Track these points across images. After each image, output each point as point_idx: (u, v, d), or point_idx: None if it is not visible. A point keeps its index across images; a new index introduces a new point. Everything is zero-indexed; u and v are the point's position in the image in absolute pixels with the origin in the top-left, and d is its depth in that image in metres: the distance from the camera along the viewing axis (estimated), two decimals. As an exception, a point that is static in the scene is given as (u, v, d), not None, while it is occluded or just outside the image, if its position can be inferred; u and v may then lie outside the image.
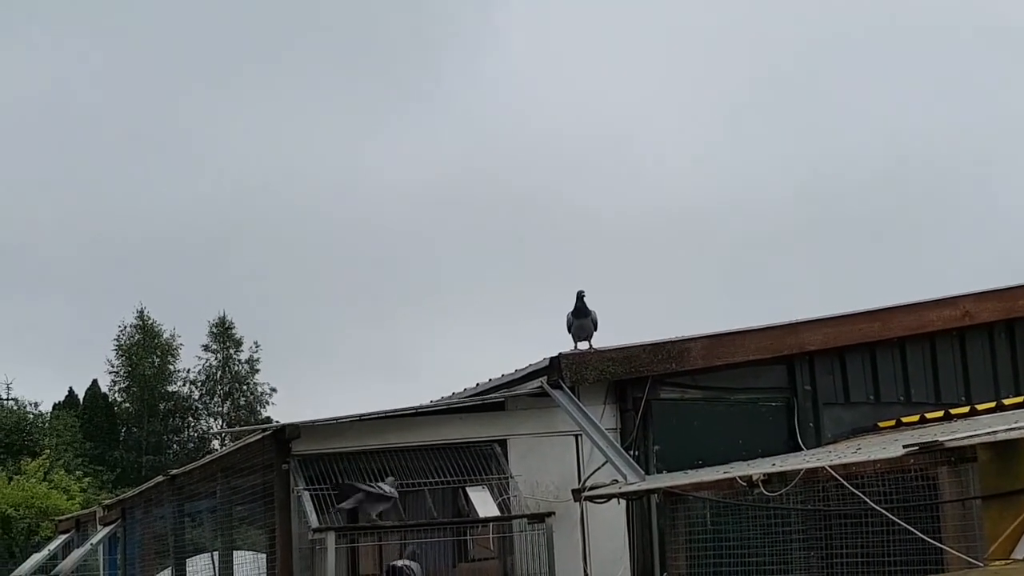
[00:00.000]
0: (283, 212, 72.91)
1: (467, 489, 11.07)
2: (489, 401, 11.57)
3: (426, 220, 73.84)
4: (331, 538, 10.23)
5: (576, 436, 11.31)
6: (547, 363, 11.38)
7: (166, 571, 14.88)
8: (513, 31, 75.98)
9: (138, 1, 72.09)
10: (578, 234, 71.84)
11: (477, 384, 13.05)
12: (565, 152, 75.45)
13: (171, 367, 55.95)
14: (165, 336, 55.68)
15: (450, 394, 13.84)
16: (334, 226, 72.81)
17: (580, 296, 11.68)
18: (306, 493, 10.61)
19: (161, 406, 54.88)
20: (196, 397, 56.30)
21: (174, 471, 14.03)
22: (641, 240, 71.60)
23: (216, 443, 53.39)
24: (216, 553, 13.62)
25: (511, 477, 11.16)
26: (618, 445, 10.94)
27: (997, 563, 6.59)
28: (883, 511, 7.69)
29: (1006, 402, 10.79)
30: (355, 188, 73.16)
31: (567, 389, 11.15)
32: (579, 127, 75.81)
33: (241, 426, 52.39)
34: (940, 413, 11.17)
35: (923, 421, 11.20)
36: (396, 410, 11.21)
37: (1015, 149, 69.35)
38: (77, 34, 72.43)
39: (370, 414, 11.05)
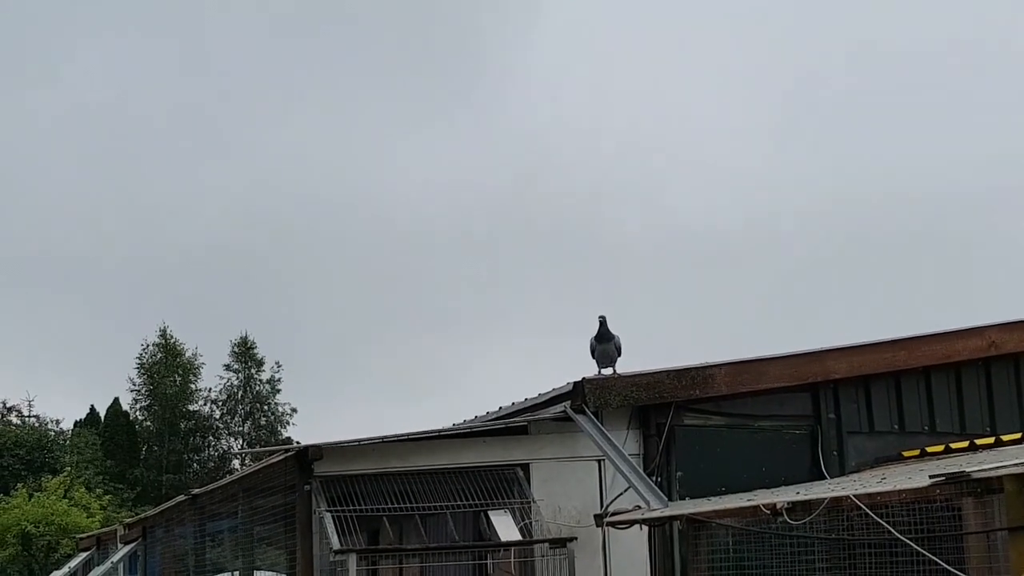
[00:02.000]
0: (308, 234, 73.29)
1: (489, 513, 11.05)
2: (512, 425, 11.55)
3: (451, 245, 74.00)
4: (352, 560, 10.22)
5: (599, 461, 11.29)
6: (571, 387, 11.37)
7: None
8: (551, 46, 76.19)
9: (173, 10, 72.55)
10: (605, 258, 71.95)
11: (500, 408, 13.05)
12: (594, 176, 75.63)
13: (192, 386, 56.17)
14: (187, 355, 55.89)
15: (473, 417, 13.83)
16: (359, 248, 73.16)
17: (603, 321, 11.67)
18: (328, 514, 10.60)
19: (182, 425, 55.04)
20: (217, 416, 56.45)
21: (196, 491, 14.06)
22: (668, 265, 71.64)
23: (236, 463, 53.48)
24: (237, 573, 13.63)
25: (533, 501, 11.13)
26: (641, 471, 10.92)
27: (1024, 595, 6.54)
28: (908, 542, 7.65)
29: (1032, 433, 10.73)
30: (380, 211, 73.46)
31: (590, 414, 11.14)
32: (610, 150, 76.02)
33: (261, 446, 52.48)
34: (965, 443, 11.10)
35: (948, 451, 11.13)
36: (419, 433, 11.20)
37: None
38: (118, 48, 72.79)
39: (393, 436, 11.05)
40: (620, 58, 78.16)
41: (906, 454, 11.80)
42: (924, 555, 7.58)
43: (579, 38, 78.71)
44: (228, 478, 14.09)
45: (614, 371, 11.60)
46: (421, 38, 76.47)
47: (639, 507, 10.38)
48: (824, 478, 11.59)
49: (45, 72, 73.59)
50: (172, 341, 55.64)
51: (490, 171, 75.35)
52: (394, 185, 74.98)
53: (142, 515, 18.25)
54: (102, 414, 52.87)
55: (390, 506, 10.92)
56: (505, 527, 10.95)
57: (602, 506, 10.96)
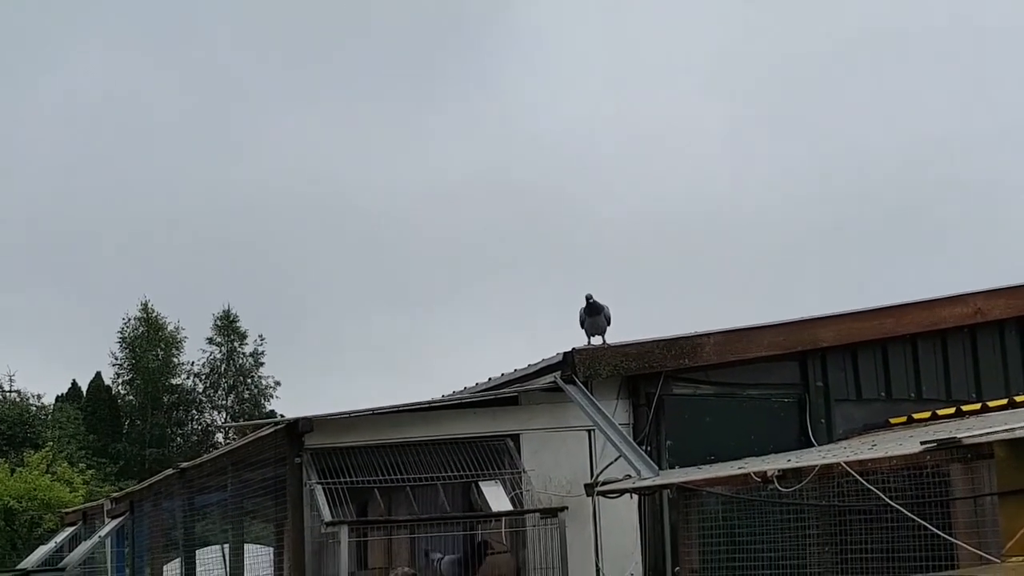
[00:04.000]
0: (293, 209, 73.00)
1: (480, 483, 11.08)
2: (502, 396, 11.58)
3: (439, 215, 73.92)
4: (344, 531, 10.25)
5: (589, 431, 11.33)
6: (560, 358, 11.39)
7: (174, 563, 14.91)
8: (535, 37, 76.06)
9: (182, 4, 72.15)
10: (596, 234, 72.01)
11: (490, 379, 13.07)
12: (585, 153, 75.63)
13: (175, 360, 56.01)
14: (169, 328, 55.74)
15: (462, 389, 13.85)
16: (344, 221, 72.94)
17: (589, 297, 11.67)
18: (319, 487, 10.61)
19: (165, 399, 54.92)
20: (200, 390, 56.33)
21: (184, 464, 14.05)
22: (657, 242, 71.72)
23: (220, 436, 53.45)
24: (226, 546, 13.66)
25: (524, 472, 11.17)
26: (631, 440, 10.96)
27: (1015, 559, 6.60)
28: (899, 507, 7.71)
29: (1018, 399, 10.80)
30: (368, 183, 73.25)
31: (580, 384, 11.17)
32: (601, 130, 76.02)
33: (245, 419, 52.45)
34: (952, 410, 11.18)
35: (935, 418, 11.21)
36: (409, 404, 11.22)
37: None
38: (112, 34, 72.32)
39: (383, 408, 11.06)
40: (596, 44, 77.91)
41: (893, 421, 11.88)
42: (915, 520, 7.64)
43: (553, 25, 78.45)
44: (217, 451, 14.08)
45: (604, 341, 11.63)
46: (404, 30, 76.14)
47: (629, 476, 10.42)
48: (812, 446, 11.65)
49: (39, 60, 73.13)
50: (154, 315, 55.48)
51: (476, 152, 75.18)
52: (381, 163, 74.80)
53: (129, 489, 18.23)
54: (84, 388, 52.71)
55: (381, 478, 10.93)
56: (496, 497, 10.99)
57: (592, 476, 11.00)
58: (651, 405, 11.51)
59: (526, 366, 12.21)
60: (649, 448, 11.28)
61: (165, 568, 15.34)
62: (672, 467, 11.22)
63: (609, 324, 11.63)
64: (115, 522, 16.85)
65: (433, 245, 74.43)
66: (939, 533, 7.60)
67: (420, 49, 76.91)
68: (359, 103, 75.89)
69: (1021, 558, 6.61)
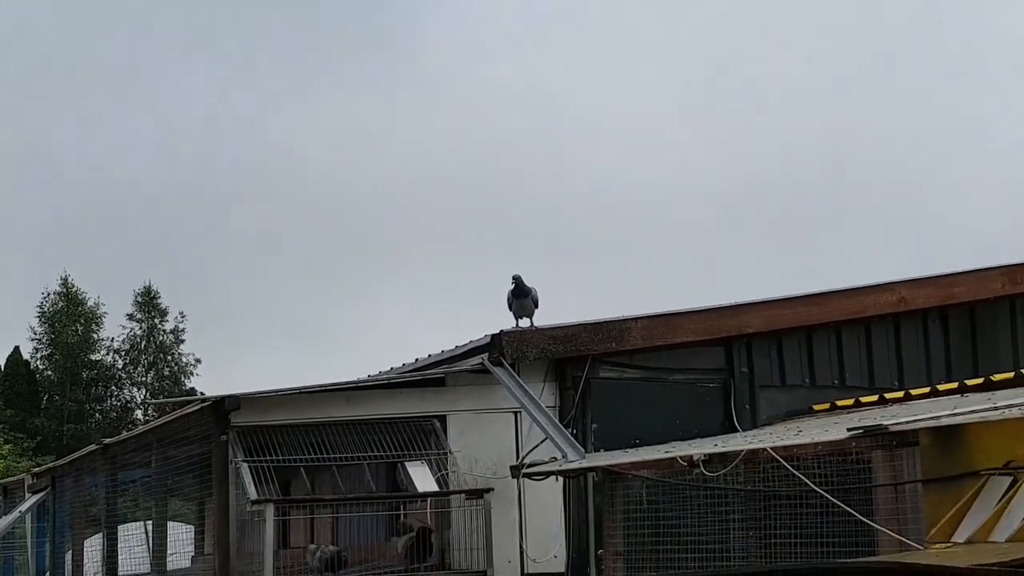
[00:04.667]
0: (214, 184, 72.16)
1: (406, 464, 11.07)
2: (430, 376, 11.56)
3: (368, 189, 73.35)
4: (270, 510, 10.19)
5: (516, 413, 11.35)
6: (488, 340, 11.38)
7: (96, 539, 14.74)
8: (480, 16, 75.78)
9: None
10: (529, 218, 71.99)
11: (417, 359, 13.03)
12: (520, 138, 75.50)
13: (95, 335, 55.27)
14: (89, 304, 55.00)
15: (390, 369, 13.81)
16: (267, 199, 72.27)
17: (517, 279, 11.66)
18: (245, 465, 10.54)
19: (84, 374, 54.18)
20: (120, 366, 55.65)
21: (108, 440, 13.88)
22: (589, 226, 71.85)
23: (139, 413, 52.90)
24: (149, 522, 13.53)
25: (450, 453, 11.17)
26: (557, 423, 10.98)
27: (938, 545, 6.71)
28: (824, 493, 7.80)
29: (940, 387, 10.94)
30: (292, 162, 72.49)
31: (508, 366, 11.17)
32: (535, 116, 75.92)
33: (165, 395, 51.95)
34: (875, 397, 11.32)
35: (858, 405, 11.34)
36: (336, 384, 11.17)
37: (950, 146, 70.38)
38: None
39: (310, 387, 11.01)
40: (554, 25, 77.75)
41: (816, 407, 12.00)
42: (840, 507, 7.73)
43: (513, 6, 78.24)
44: (141, 427, 13.92)
45: (531, 324, 11.64)
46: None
47: (555, 459, 10.44)
48: (736, 431, 11.76)
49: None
50: (74, 290, 54.72)
51: (414, 130, 74.74)
52: (311, 139, 74.08)
53: (50, 464, 17.98)
54: (1, 363, 51.89)
55: (307, 457, 10.89)
56: (421, 478, 10.99)
57: (518, 457, 11.02)
58: (577, 388, 11.54)
59: (454, 347, 12.20)
60: (575, 431, 11.31)
61: (86, 544, 15.16)
62: (598, 450, 11.26)
63: (537, 307, 11.64)
64: (36, 497, 16.61)
65: (361, 221, 74.03)
66: (862, 519, 7.70)
67: (367, 18, 76.24)
68: (290, 72, 75.08)
69: (944, 544, 6.72)
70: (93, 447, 14.09)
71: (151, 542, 13.18)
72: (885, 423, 7.33)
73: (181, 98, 72.50)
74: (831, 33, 72.58)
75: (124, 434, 13.79)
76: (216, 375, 58.63)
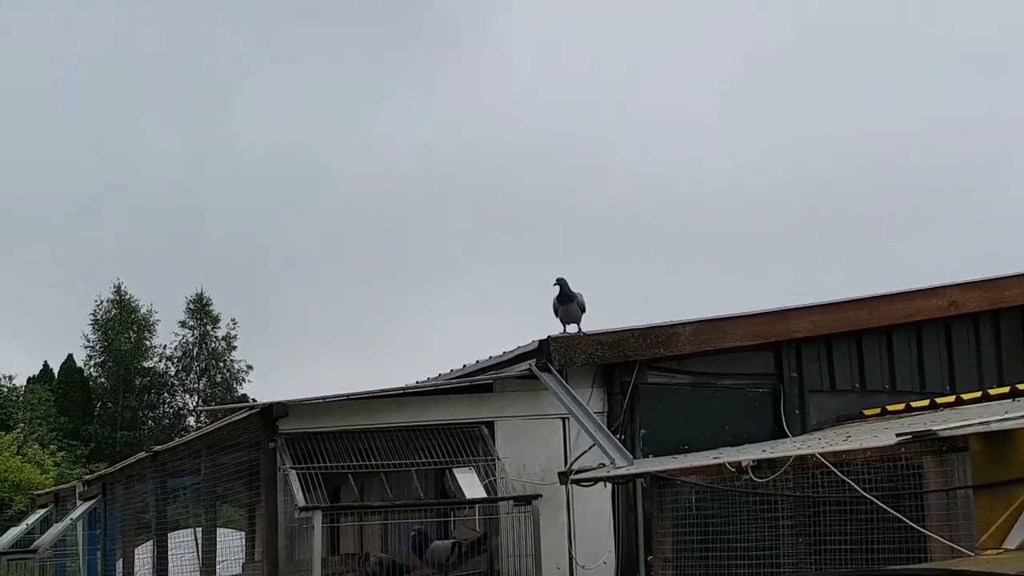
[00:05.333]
0: (266, 194, 72.72)
1: (454, 470, 11.06)
2: (477, 383, 11.56)
3: (418, 199, 73.70)
4: (318, 517, 10.22)
5: (563, 419, 11.33)
6: (536, 346, 11.36)
7: (146, 546, 14.86)
8: (512, 23, 75.86)
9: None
10: (572, 220, 72.00)
11: (465, 366, 13.04)
12: (563, 141, 75.54)
13: (147, 343, 55.83)
14: (142, 311, 55.54)
15: (437, 375, 13.82)
16: (318, 206, 72.68)
17: (562, 283, 11.61)
18: (292, 472, 10.58)
19: (137, 381, 54.73)
20: (172, 373, 56.15)
21: (157, 447, 13.99)
22: (635, 229, 71.75)
23: (192, 420, 53.33)
24: (199, 529, 13.61)
25: (498, 459, 11.15)
26: (605, 428, 10.95)
27: (989, 552, 6.63)
28: (874, 499, 7.72)
29: (991, 392, 10.83)
30: (341, 170, 72.98)
31: (555, 372, 11.15)
32: (575, 119, 75.90)
33: (217, 403, 52.31)
34: (926, 402, 11.21)
35: (908, 410, 11.24)
36: (384, 390, 11.19)
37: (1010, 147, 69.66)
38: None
39: (357, 394, 11.03)
40: (577, 34, 77.79)
41: (867, 412, 11.90)
42: (889, 512, 7.66)
43: (542, 8, 78.30)
44: (190, 435, 14.02)
45: (579, 329, 11.61)
46: (394, 9, 75.85)
47: (603, 465, 10.42)
48: (786, 436, 11.68)
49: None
50: (127, 297, 55.28)
51: (456, 136, 75.05)
52: (356, 147, 74.64)
53: (101, 472, 18.15)
54: (55, 370, 52.47)
55: (355, 463, 10.90)
56: (470, 484, 10.97)
57: (566, 463, 11.00)
58: (626, 394, 11.51)
59: (501, 353, 12.19)
60: (623, 437, 11.28)
61: (137, 551, 15.28)
62: (646, 456, 11.23)
63: (584, 311, 11.61)
64: (87, 504, 16.76)
65: (410, 228, 74.32)
66: (913, 525, 7.62)
67: (394, 28, 76.56)
68: (342, 82, 75.49)
69: (995, 551, 6.64)
70: (143, 454, 14.21)
71: (200, 549, 13.26)
72: (934, 428, 7.24)
73: (235, 108, 73.08)
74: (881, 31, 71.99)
75: (173, 441, 13.86)
76: (268, 381, 59.09)
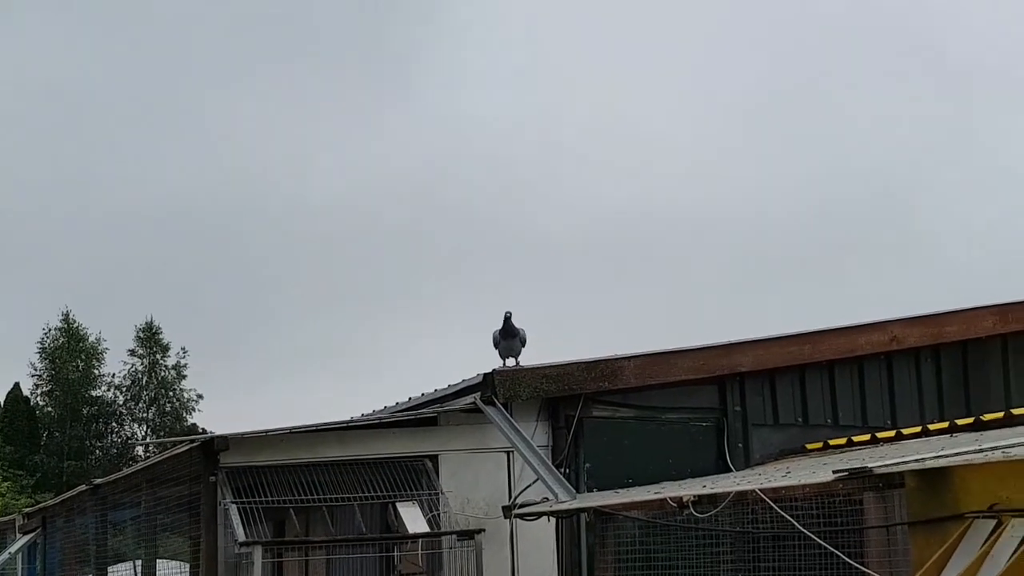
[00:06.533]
0: (215, 222, 72.35)
1: (397, 504, 11.02)
2: (421, 416, 11.53)
3: (362, 235, 73.58)
4: (258, 552, 10.12)
5: (508, 453, 11.32)
6: (481, 379, 11.37)
7: (87, 579, 14.70)
8: (472, 39, 76.07)
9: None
10: (515, 249, 72.10)
11: (410, 398, 13.01)
12: (509, 168, 75.74)
13: (96, 371, 55.30)
14: (90, 340, 55.04)
15: (382, 408, 13.78)
16: (267, 236, 72.42)
17: (508, 317, 11.66)
18: (233, 506, 10.49)
19: (84, 411, 54.17)
20: (121, 402, 55.64)
21: (98, 480, 13.85)
22: (579, 258, 71.96)
23: (140, 450, 52.82)
24: (139, 562, 13.47)
25: (442, 493, 11.12)
26: (549, 463, 10.95)
27: (924, 589, 6.66)
28: (812, 535, 7.75)
29: (931, 427, 10.92)
30: (289, 200, 72.74)
31: (500, 406, 11.15)
32: (524, 146, 76.15)
33: (166, 432, 51.88)
34: (867, 436, 11.29)
35: (850, 444, 11.32)
36: (327, 423, 11.14)
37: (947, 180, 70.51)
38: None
39: (300, 427, 10.97)
40: (544, 52, 78.16)
41: (809, 447, 11.97)
42: (827, 548, 7.69)
43: (503, 30, 78.62)
44: (131, 468, 13.89)
45: (517, 363, 11.63)
46: (344, 30, 75.85)
47: (547, 499, 10.41)
48: (730, 470, 11.72)
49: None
50: (75, 325, 54.77)
51: (405, 163, 75.07)
52: (304, 175, 74.40)
53: (42, 504, 17.94)
54: (1, 399, 51.87)
55: (297, 497, 10.83)
56: (413, 519, 10.92)
57: (510, 498, 10.98)
58: (570, 427, 11.52)
59: (446, 386, 12.17)
60: (568, 470, 11.29)
61: (78, 585, 15.11)
62: (590, 490, 11.23)
63: (524, 346, 11.64)
64: (26, 538, 16.57)
65: (356, 260, 74.15)
66: (851, 562, 7.66)
67: (363, 47, 76.61)
68: (293, 107, 75.36)
69: (929, 588, 6.68)
70: (83, 487, 14.06)
71: (140, 582, 13.12)
72: (871, 465, 7.30)
73: (183, 131, 72.77)
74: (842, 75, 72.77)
75: (114, 475, 13.72)
76: (218, 410, 58.64)
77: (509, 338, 11.60)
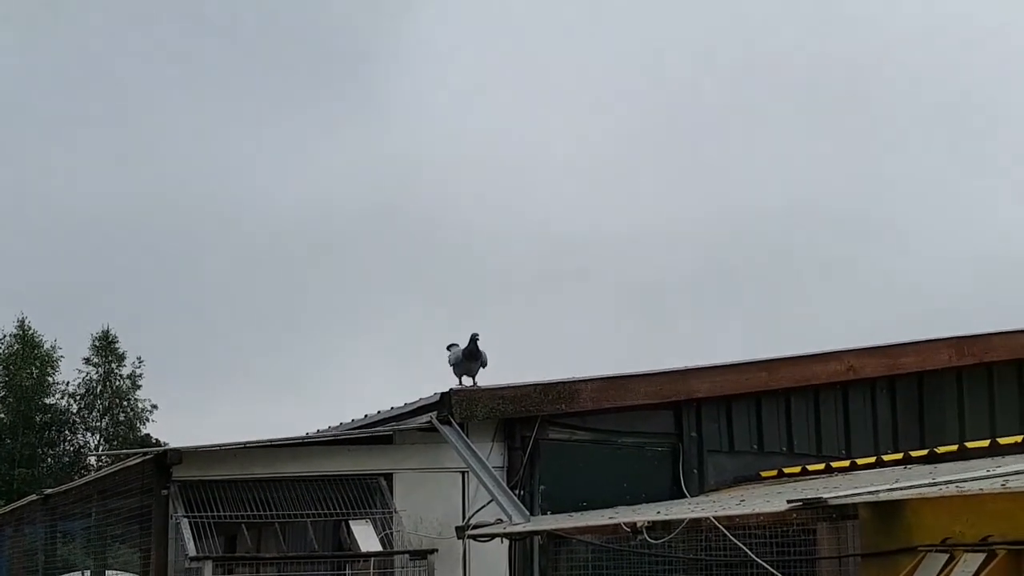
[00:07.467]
0: (174, 232, 71.85)
1: (350, 522, 10.96)
2: (377, 434, 11.48)
3: (318, 250, 73.15)
4: (208, 567, 10.04)
5: (463, 473, 11.28)
6: (437, 398, 11.33)
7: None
8: (420, 57, 75.99)
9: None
10: (473, 268, 71.97)
11: (365, 415, 12.95)
12: (465, 185, 75.63)
13: (50, 379, 54.79)
14: (45, 347, 54.55)
15: (337, 425, 13.72)
16: (227, 245, 72.05)
17: (474, 339, 11.61)
18: (185, 520, 10.40)
19: (37, 418, 53.63)
20: (74, 411, 55.15)
21: (49, 491, 13.71)
22: (537, 276, 71.91)
23: (92, 460, 52.35)
24: (87, 572, 13.36)
25: (395, 512, 11.07)
26: (504, 484, 10.92)
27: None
28: (764, 564, 7.78)
29: (886, 458, 10.98)
30: (245, 215, 72.38)
31: (456, 425, 11.12)
32: (481, 162, 76.07)
33: (120, 442, 51.47)
34: (822, 466, 11.34)
35: (805, 473, 11.36)
36: (281, 439, 11.08)
37: (900, 206, 71.00)
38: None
39: (255, 442, 10.89)
40: (490, 69, 78.18)
41: (764, 474, 12.01)
42: (778, 577, 7.72)
43: (448, 49, 78.56)
44: (82, 479, 13.77)
45: (474, 382, 11.61)
46: (292, 46, 75.62)
47: (501, 520, 10.38)
48: (684, 496, 11.74)
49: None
50: (30, 332, 54.27)
51: (356, 180, 74.76)
52: (260, 188, 73.90)
53: (-10, 513, 17.74)
54: (-48, 405, 51.36)
55: (249, 513, 10.76)
56: (365, 537, 10.87)
57: (464, 518, 10.95)
58: (526, 449, 11.50)
59: (402, 404, 12.13)
60: (523, 492, 11.26)
61: (25, 595, 14.98)
62: (545, 512, 11.21)
63: (484, 368, 11.62)
64: (-27, 546, 16.39)
65: (317, 272, 73.76)
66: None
67: (310, 61, 76.31)
68: (249, 119, 75.00)
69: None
70: (33, 497, 13.93)
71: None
72: (824, 496, 7.32)
73: (147, 138, 72.42)
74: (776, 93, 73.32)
75: (65, 485, 13.60)
76: (172, 422, 58.17)
77: (471, 360, 11.57)
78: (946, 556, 6.65)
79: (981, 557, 6.43)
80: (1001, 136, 70.12)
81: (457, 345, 11.82)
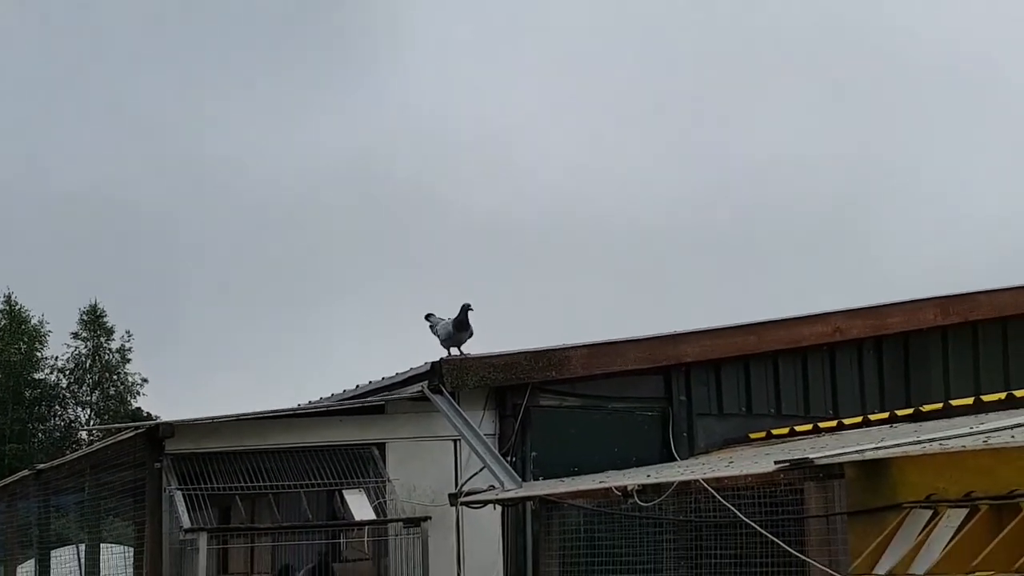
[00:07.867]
0: (162, 200, 71.70)
1: (343, 492, 11.04)
2: (369, 404, 11.56)
3: (312, 216, 73.07)
4: (203, 539, 10.14)
5: (455, 441, 11.37)
6: (428, 367, 11.40)
7: (30, 563, 14.63)
8: (410, 26, 75.75)
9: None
10: (461, 236, 71.92)
11: (357, 386, 13.02)
12: (451, 152, 75.52)
13: (39, 354, 54.73)
14: (33, 322, 54.48)
15: (329, 395, 13.78)
16: (215, 217, 71.93)
17: (465, 309, 11.65)
18: (178, 493, 10.48)
19: (27, 393, 53.60)
20: (64, 385, 55.12)
21: (41, 466, 13.77)
22: (524, 243, 71.94)
23: (84, 434, 52.38)
24: (82, 546, 13.43)
25: (388, 480, 11.16)
26: (496, 451, 11.01)
27: (861, 578, 6.80)
28: (753, 524, 7.87)
29: (872, 417, 11.08)
30: (230, 184, 72.17)
31: (447, 394, 11.20)
32: (468, 129, 75.97)
33: (110, 416, 51.50)
34: (809, 426, 11.44)
35: (792, 434, 11.46)
36: (274, 411, 11.16)
37: (893, 171, 71.09)
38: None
39: (247, 414, 10.97)
40: (472, 46, 77.93)
41: (753, 436, 12.11)
42: (768, 536, 7.81)
43: (439, 25, 78.21)
44: (75, 453, 13.82)
45: (461, 353, 11.66)
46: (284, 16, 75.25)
47: (493, 487, 10.47)
48: (674, 459, 11.84)
49: None
50: (18, 307, 54.16)
51: (346, 150, 74.53)
52: (248, 159, 73.72)
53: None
54: (-59, 382, 51.27)
55: (243, 484, 10.84)
56: (359, 506, 10.96)
57: (457, 486, 11.04)
58: (517, 416, 11.58)
59: (394, 374, 12.20)
60: (514, 459, 11.35)
61: (19, 569, 15.04)
62: (537, 478, 11.30)
63: (471, 337, 11.67)
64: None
65: (306, 244, 73.70)
66: (791, 551, 7.78)
67: (297, 35, 76.05)
68: (239, 91, 74.74)
69: (867, 576, 6.82)
70: (26, 472, 13.98)
71: (83, 567, 13.08)
72: (811, 456, 7.42)
73: (131, 112, 72.11)
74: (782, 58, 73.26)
75: (58, 460, 13.65)
76: (164, 396, 58.24)
77: (462, 330, 11.61)
78: (930, 512, 6.73)
79: (964, 512, 6.51)
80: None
81: (434, 315, 11.88)
